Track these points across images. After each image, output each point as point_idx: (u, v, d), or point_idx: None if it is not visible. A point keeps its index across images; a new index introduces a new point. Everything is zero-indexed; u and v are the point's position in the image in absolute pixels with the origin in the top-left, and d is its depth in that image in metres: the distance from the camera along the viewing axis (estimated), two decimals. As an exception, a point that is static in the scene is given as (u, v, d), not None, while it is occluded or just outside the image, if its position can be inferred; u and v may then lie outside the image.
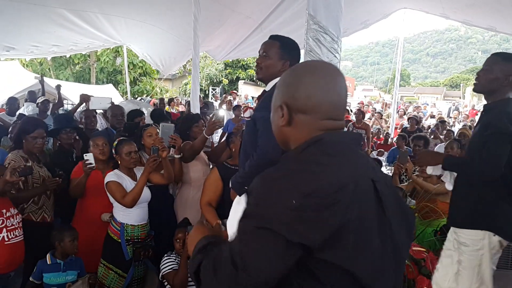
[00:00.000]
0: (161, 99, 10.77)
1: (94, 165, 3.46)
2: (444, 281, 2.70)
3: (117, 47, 15.69)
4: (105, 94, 10.29)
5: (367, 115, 13.98)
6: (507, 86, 2.60)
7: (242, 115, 9.38)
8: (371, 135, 9.43)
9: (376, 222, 1.09)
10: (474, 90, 2.80)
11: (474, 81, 2.76)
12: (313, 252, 1.01)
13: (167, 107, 11.39)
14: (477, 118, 13.21)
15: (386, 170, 6.77)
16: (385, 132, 10.66)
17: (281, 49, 2.49)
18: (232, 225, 2.52)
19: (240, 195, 2.40)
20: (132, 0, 7.87)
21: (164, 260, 3.24)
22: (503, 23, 7.87)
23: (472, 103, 26.02)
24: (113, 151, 3.54)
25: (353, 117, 10.58)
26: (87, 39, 9.63)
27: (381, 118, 12.86)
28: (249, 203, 1.06)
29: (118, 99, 12.44)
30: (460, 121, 14.08)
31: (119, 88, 19.44)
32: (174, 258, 3.25)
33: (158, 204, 3.70)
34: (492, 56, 2.69)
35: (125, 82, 14.59)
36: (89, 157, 3.50)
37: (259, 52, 2.59)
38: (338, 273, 1.03)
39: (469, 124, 12.85)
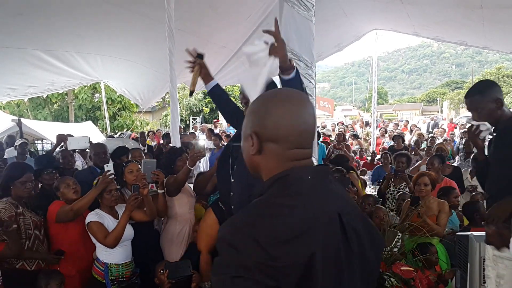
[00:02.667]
0: (142, 133, 10.67)
1: (114, 175, 3.46)
2: None
3: (95, 83, 15.66)
4: (84, 132, 10.20)
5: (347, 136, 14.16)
6: (501, 107, 2.74)
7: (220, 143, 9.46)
8: (351, 156, 9.47)
9: (343, 255, 1.11)
10: None
11: None
12: None
13: (148, 140, 11.32)
14: (456, 131, 13.31)
15: (370, 189, 6.80)
16: (371, 152, 10.72)
17: None
18: None
19: None
20: (106, 37, 7.90)
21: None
22: (473, 37, 8.12)
23: (450, 117, 26.51)
24: (94, 190, 3.48)
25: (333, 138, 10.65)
26: (64, 78, 9.60)
27: (358, 139, 12.96)
28: (222, 253, 1.05)
29: (97, 135, 12.33)
30: (438, 136, 14.22)
31: (98, 124, 19.33)
32: (158, 297, 3.18)
33: (142, 241, 3.64)
34: (470, 99, 2.83)
35: (104, 118, 14.51)
36: (110, 167, 3.49)
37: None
38: None
39: (449, 138, 13.01)
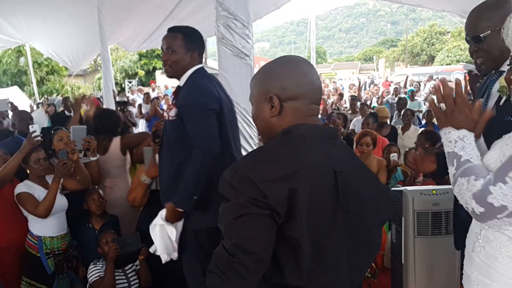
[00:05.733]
0: (65, 99, 9.65)
1: (40, 138, 3.27)
2: None
3: (19, 46, 14.62)
4: (10, 98, 9.57)
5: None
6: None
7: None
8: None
9: (331, 208, 1.23)
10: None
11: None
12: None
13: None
14: (391, 89, 13.44)
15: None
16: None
17: (185, 41, 2.42)
18: (162, 248, 2.43)
19: (189, 209, 2.33)
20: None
21: (91, 269, 3.10)
22: (408, -6, 8.26)
23: (386, 75, 27.35)
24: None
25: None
26: (-15, 42, 8.91)
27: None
28: (224, 195, 1.20)
29: (25, 101, 11.64)
30: (375, 95, 14.52)
31: (25, 90, 18.20)
32: (101, 266, 3.11)
33: (78, 211, 3.48)
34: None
35: (31, 83, 13.68)
36: (35, 128, 3.31)
37: (161, 47, 2.49)
38: (288, 244, 1.19)
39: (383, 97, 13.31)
